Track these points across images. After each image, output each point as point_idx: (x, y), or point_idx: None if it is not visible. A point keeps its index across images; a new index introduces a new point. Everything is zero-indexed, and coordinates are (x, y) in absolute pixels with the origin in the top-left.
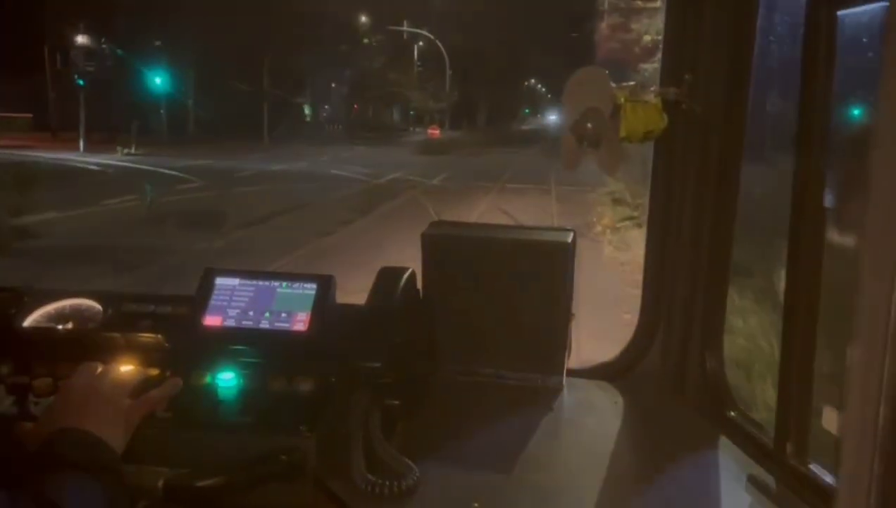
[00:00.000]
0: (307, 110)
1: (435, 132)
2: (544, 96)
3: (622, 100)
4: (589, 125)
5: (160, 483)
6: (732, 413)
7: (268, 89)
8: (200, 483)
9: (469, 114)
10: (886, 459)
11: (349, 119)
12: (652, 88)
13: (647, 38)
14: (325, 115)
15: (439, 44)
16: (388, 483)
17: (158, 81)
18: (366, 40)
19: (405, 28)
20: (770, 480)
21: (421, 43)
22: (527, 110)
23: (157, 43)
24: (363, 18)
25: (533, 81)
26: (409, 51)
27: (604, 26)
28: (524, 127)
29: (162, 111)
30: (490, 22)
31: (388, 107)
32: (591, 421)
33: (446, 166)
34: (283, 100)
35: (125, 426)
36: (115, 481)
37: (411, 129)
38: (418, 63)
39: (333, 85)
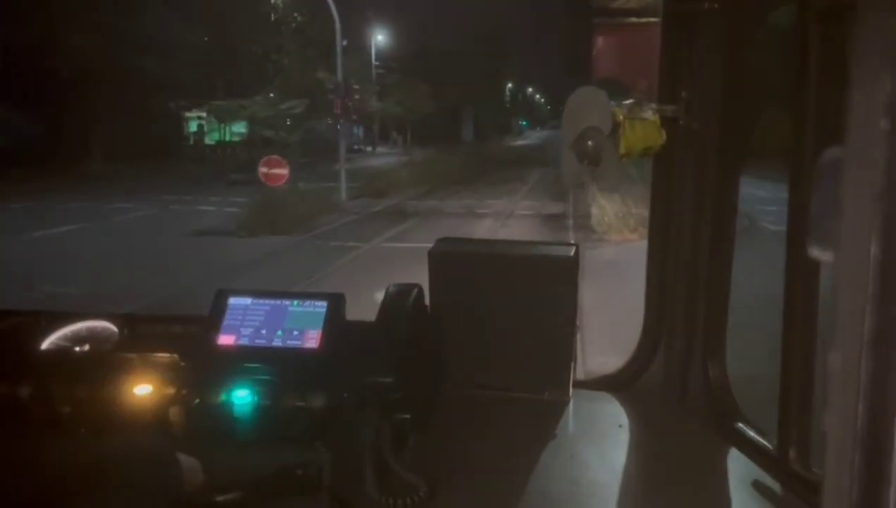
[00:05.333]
0: (202, 127)
1: (281, 173)
2: (543, 107)
3: (621, 117)
4: (589, 143)
5: (182, 498)
6: (736, 421)
7: None
8: (220, 498)
9: (449, 126)
10: (866, 453)
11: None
12: (650, 106)
13: None
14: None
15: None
16: (399, 496)
17: None
18: (291, 28)
19: None
20: (774, 486)
21: (381, 38)
22: (524, 123)
23: None
24: None
25: (530, 90)
26: (363, 46)
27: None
28: (520, 142)
29: None
30: (472, 19)
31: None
32: (598, 432)
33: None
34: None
35: None
36: None
37: (370, 148)
38: (377, 64)
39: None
